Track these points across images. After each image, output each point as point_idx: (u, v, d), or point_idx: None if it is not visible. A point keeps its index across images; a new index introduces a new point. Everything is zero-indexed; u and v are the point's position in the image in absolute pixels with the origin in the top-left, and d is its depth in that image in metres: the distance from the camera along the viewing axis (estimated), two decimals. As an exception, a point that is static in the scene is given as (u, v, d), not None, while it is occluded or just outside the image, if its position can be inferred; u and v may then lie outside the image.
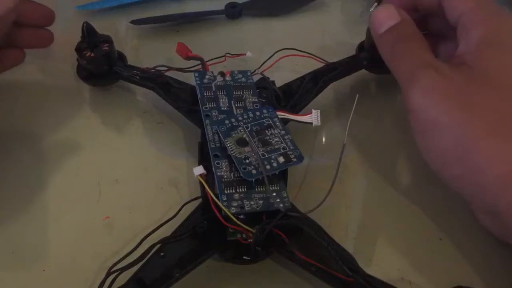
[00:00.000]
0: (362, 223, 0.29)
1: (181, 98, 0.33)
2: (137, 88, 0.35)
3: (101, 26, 0.34)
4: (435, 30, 0.33)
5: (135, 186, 0.31)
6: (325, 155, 0.32)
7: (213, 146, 0.28)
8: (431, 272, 0.27)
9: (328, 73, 0.33)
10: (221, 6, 0.42)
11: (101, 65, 0.34)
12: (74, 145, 0.33)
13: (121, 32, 0.41)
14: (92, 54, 0.33)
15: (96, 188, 0.31)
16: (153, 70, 0.34)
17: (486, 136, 0.24)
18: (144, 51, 0.40)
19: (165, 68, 0.34)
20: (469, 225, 0.29)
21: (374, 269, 0.25)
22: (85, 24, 0.33)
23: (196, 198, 0.28)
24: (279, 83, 0.34)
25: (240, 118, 0.29)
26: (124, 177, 0.31)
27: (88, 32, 0.33)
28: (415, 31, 0.29)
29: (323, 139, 0.34)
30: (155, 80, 0.33)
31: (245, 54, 0.36)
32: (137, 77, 0.34)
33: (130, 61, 0.35)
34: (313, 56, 0.35)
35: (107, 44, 0.33)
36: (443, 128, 0.25)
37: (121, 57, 0.35)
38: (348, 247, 0.26)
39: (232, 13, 0.42)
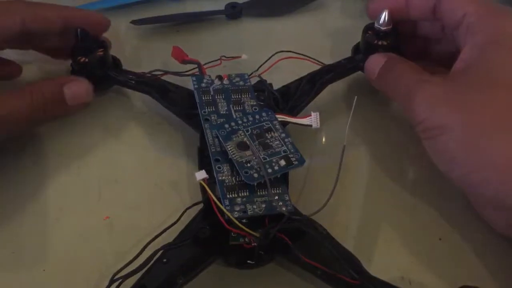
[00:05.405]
0: (362, 223, 0.30)
1: (178, 102, 0.32)
2: (136, 88, 0.35)
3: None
4: (426, 34, 0.34)
5: (135, 186, 0.31)
6: (325, 157, 0.32)
7: (213, 150, 0.28)
8: (431, 272, 0.28)
9: (325, 75, 0.33)
10: (221, 6, 0.42)
11: (94, 71, 0.33)
12: (74, 145, 0.33)
13: (121, 32, 0.41)
14: (86, 60, 0.33)
15: (96, 188, 0.31)
16: (149, 75, 0.33)
17: (490, 132, 0.25)
18: (144, 51, 0.39)
19: (162, 73, 0.33)
20: (469, 225, 0.29)
21: (374, 269, 0.25)
22: (79, 30, 0.32)
23: (197, 203, 0.27)
24: (278, 84, 0.33)
25: (239, 122, 0.29)
26: (124, 177, 0.31)
27: (82, 37, 0.32)
28: (402, 59, 0.31)
29: (323, 141, 0.34)
30: (151, 84, 0.33)
31: (240, 57, 0.36)
32: (133, 82, 0.33)
33: (130, 61, 0.35)
34: (308, 59, 0.35)
35: (102, 49, 0.33)
36: (448, 131, 0.26)
37: (116, 62, 0.35)
38: (348, 247, 0.26)
39: (232, 13, 0.42)
